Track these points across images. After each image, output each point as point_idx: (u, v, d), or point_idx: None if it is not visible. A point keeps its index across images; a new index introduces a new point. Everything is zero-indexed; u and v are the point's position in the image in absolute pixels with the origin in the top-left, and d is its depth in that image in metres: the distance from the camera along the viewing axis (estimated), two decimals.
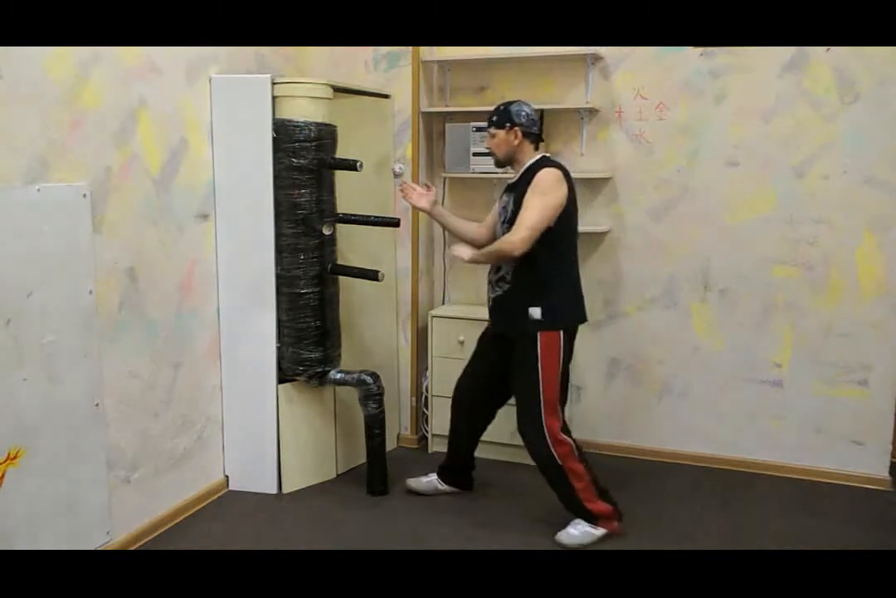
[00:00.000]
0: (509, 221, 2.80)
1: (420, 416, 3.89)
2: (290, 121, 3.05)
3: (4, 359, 2.28)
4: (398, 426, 3.89)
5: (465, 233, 3.11)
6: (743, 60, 3.34)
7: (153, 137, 2.82)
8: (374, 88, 3.59)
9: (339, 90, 3.26)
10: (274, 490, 3.31)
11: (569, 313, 2.89)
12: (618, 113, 3.55)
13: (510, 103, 2.87)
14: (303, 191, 3.10)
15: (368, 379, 3.26)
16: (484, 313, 3.09)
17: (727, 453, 3.61)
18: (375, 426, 3.29)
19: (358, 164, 3.08)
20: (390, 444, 3.70)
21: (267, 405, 3.25)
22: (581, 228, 2.99)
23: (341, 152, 3.20)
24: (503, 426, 3.29)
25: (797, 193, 3.36)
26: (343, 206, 3.30)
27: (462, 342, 3.58)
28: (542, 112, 2.95)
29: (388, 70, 3.63)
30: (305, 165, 3.08)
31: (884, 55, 3.17)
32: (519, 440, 2.96)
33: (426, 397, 3.79)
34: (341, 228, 3.32)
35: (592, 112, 3.56)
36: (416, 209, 3.36)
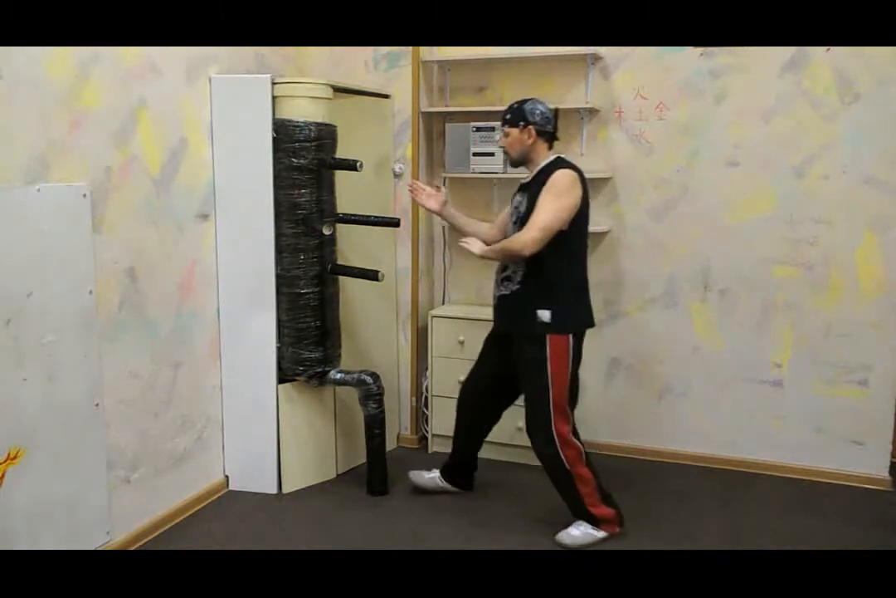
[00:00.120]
0: (521, 221, 2.78)
1: (420, 416, 3.89)
2: (290, 121, 3.05)
3: (4, 359, 2.28)
4: (398, 426, 3.89)
5: (475, 234, 3.08)
6: (743, 60, 3.34)
7: (153, 136, 2.82)
8: (374, 88, 3.59)
9: (339, 90, 3.26)
10: (274, 490, 3.31)
11: (578, 317, 2.87)
12: (618, 113, 3.55)
13: (524, 101, 2.83)
14: (303, 191, 3.10)
15: (368, 379, 3.26)
16: (485, 312, 3.09)
17: (727, 453, 3.61)
18: (375, 426, 3.29)
19: (358, 164, 3.08)
20: (390, 444, 3.70)
21: (267, 405, 3.25)
22: None
23: (341, 152, 3.20)
24: (504, 426, 3.28)
25: (797, 193, 3.36)
26: (343, 206, 3.30)
27: (462, 342, 3.58)
28: (556, 110, 2.87)
29: (388, 70, 3.63)
30: (305, 165, 3.08)
31: (884, 55, 3.17)
32: (520, 440, 2.96)
33: (426, 397, 3.79)
34: (341, 228, 3.32)
35: (592, 112, 3.56)
36: (426, 210, 3.34)
